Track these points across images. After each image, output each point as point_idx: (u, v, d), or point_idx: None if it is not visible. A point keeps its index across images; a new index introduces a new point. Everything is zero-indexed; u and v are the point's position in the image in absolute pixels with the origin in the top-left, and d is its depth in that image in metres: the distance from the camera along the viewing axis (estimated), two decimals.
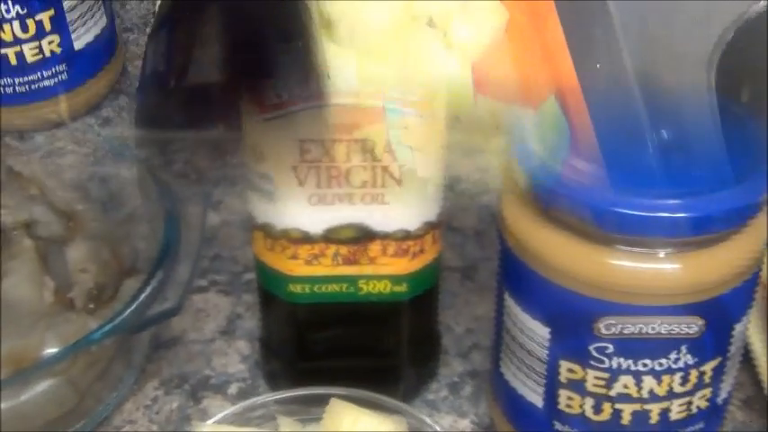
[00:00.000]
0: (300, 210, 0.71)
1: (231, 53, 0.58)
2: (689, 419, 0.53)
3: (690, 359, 0.50)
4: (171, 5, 0.63)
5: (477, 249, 0.85)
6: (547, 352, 0.61)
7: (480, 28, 0.71)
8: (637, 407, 0.54)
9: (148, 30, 0.62)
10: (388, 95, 0.69)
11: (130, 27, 0.73)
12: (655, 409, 0.52)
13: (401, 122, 0.68)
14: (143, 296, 0.57)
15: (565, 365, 0.60)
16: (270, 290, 0.72)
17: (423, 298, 0.73)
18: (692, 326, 0.50)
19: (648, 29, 0.78)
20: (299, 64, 0.60)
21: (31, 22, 0.59)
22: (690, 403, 0.52)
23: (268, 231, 0.72)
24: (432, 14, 0.71)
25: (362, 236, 0.70)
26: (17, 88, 0.62)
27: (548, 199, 0.60)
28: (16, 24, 0.58)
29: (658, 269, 0.57)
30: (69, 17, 0.60)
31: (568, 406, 0.61)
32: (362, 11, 0.70)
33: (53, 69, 0.62)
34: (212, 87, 0.56)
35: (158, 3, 0.65)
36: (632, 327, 0.55)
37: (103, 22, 0.63)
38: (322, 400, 0.64)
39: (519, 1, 0.72)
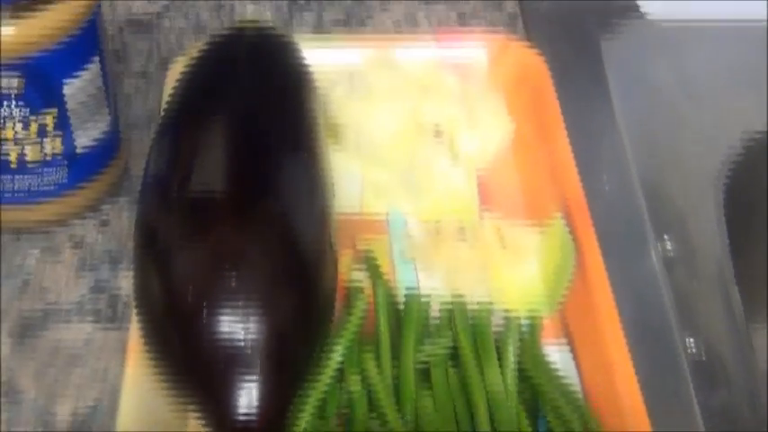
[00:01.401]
0: None
1: (236, 164, 0.56)
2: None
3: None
4: (176, 110, 0.62)
5: None
6: None
7: (487, 138, 0.70)
8: None
9: (153, 131, 0.60)
10: (393, 206, 0.68)
11: (134, 124, 0.72)
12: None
13: (405, 234, 0.66)
14: None
15: None
16: None
17: None
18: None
19: (657, 144, 0.78)
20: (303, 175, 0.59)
21: (33, 123, 0.58)
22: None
23: None
24: (438, 123, 0.70)
25: None
26: (16, 188, 0.61)
27: None
28: (18, 125, 0.57)
29: None
30: (72, 118, 0.59)
31: None
32: (369, 118, 0.69)
33: (53, 170, 0.60)
34: (212, 199, 0.54)
35: (164, 103, 0.65)
36: None
37: (107, 121, 0.62)
38: None
39: (527, 111, 0.71)
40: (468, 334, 0.55)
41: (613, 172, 0.72)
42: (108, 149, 0.65)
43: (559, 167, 0.66)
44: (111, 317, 0.62)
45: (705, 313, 0.67)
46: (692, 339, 0.64)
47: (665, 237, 0.70)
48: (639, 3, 0.83)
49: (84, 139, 0.62)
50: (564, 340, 0.61)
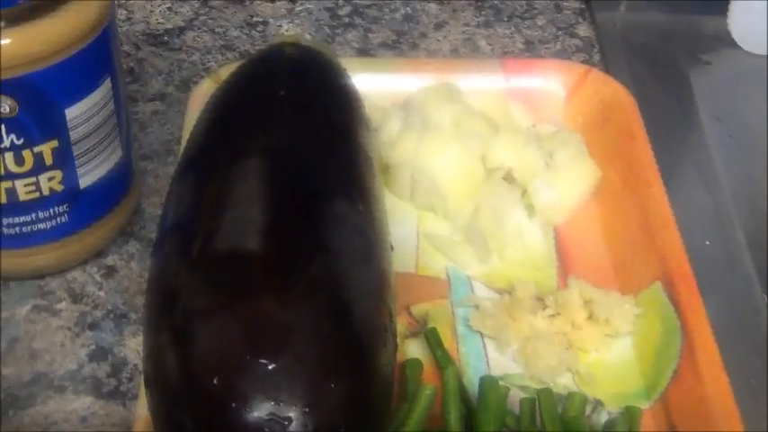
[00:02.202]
0: None
1: (276, 215, 0.45)
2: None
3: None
4: (202, 143, 0.51)
5: None
6: None
7: (567, 187, 0.59)
8: None
9: (173, 167, 0.49)
10: (455, 265, 0.57)
11: (149, 155, 0.61)
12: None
13: (469, 299, 0.55)
14: None
15: None
16: None
17: None
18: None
19: (758, 193, 0.66)
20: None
21: (27, 154, 0.46)
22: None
23: None
24: (510, 167, 0.59)
25: None
26: (5, 230, 0.49)
27: None
28: (9, 156, 0.46)
29: None
30: (76, 150, 0.48)
31: None
32: (428, 157, 0.58)
33: (51, 210, 0.50)
34: (245, 260, 0.43)
35: (187, 132, 0.54)
36: None
37: (118, 154, 0.51)
38: None
39: (613, 158, 0.60)
40: (558, 428, 0.44)
41: (713, 227, 0.61)
42: (118, 186, 0.54)
43: (654, 222, 0.55)
44: (115, 389, 0.51)
45: None
46: None
47: None
48: (731, 28, 0.71)
49: (89, 175, 0.51)
50: None
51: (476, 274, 0.57)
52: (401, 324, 0.53)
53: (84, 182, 0.52)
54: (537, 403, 0.47)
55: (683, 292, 0.52)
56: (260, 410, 0.40)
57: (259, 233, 0.44)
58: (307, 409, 0.40)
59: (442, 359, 0.49)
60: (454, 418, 0.45)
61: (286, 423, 0.40)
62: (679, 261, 0.53)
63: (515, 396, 0.48)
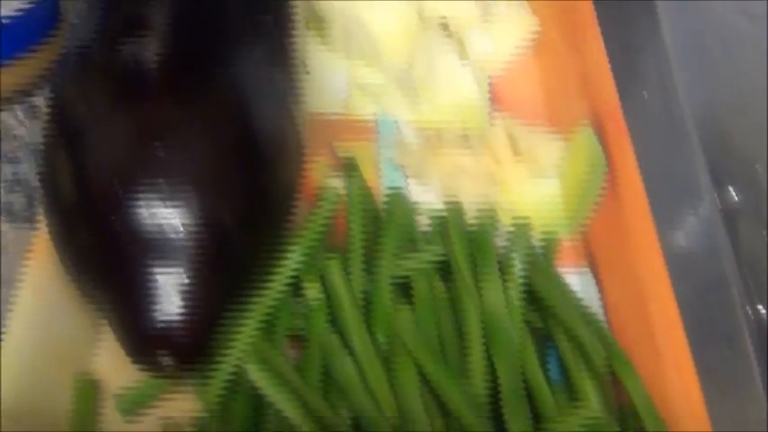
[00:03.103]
0: None
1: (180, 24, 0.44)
2: None
3: None
4: None
5: None
6: None
7: (504, 39, 0.58)
8: None
9: None
10: (385, 110, 0.56)
11: None
12: None
13: (396, 141, 0.54)
14: None
15: None
16: None
17: None
18: None
19: (707, 57, 0.65)
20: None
21: None
22: None
23: None
24: (446, 16, 0.58)
25: None
26: None
27: None
28: None
29: None
30: None
31: None
32: (362, 9, 0.57)
33: None
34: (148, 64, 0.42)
35: None
36: None
37: None
38: None
39: (553, 10, 0.58)
40: (465, 242, 0.42)
41: (656, 89, 0.59)
42: (43, 19, 0.53)
43: (590, 75, 0.54)
44: (28, 217, 0.49)
45: None
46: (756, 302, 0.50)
47: (727, 183, 0.56)
48: None
49: (8, 6, 0.50)
50: (586, 267, 0.48)
51: (405, 119, 0.55)
52: (324, 162, 0.52)
53: (5, 12, 0.51)
54: (445, 220, 0.46)
55: (611, 132, 0.51)
56: (149, 199, 0.39)
57: (159, 39, 0.43)
58: (192, 191, 0.39)
59: (350, 172, 0.48)
60: (355, 225, 0.43)
61: (170, 204, 0.39)
62: (609, 103, 0.52)
63: None
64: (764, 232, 0.54)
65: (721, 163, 0.58)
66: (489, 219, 0.45)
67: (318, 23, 0.58)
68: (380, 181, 0.52)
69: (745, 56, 0.63)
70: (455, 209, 0.45)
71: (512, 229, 0.44)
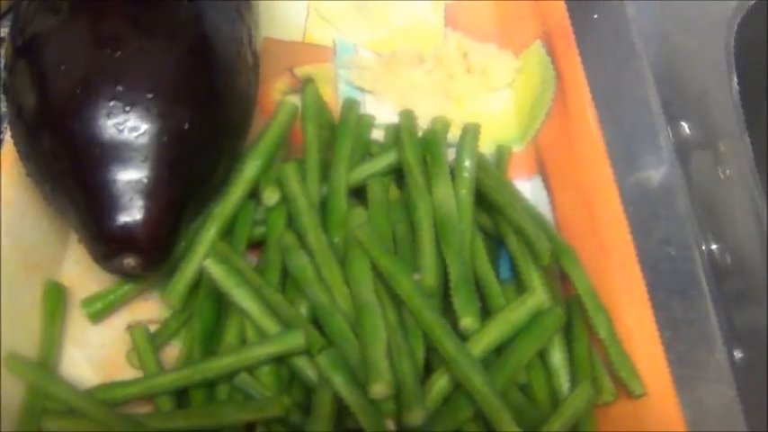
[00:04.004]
0: None
1: None
2: None
3: None
4: None
5: None
6: None
7: None
8: None
9: None
10: (342, 34, 0.57)
11: None
12: None
13: (353, 62, 0.55)
14: None
15: None
16: None
17: None
18: None
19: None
20: None
21: None
22: None
23: None
24: None
25: None
26: None
27: None
28: None
29: None
30: None
31: None
32: None
33: None
34: None
35: None
36: None
37: None
38: None
39: None
40: (417, 147, 0.44)
41: (607, 10, 0.61)
42: None
43: None
44: None
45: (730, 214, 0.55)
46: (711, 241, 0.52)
47: (680, 118, 0.58)
48: None
49: None
50: (537, 174, 0.50)
51: (362, 41, 0.57)
52: (283, 83, 0.54)
53: None
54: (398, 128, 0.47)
55: (559, 46, 0.52)
56: (103, 96, 0.40)
57: None
58: (150, 95, 0.40)
59: (305, 84, 0.49)
60: (311, 134, 0.45)
61: (128, 108, 0.40)
62: (559, 19, 0.54)
63: None
64: (719, 168, 0.55)
65: (673, 98, 0.60)
66: (441, 123, 0.46)
67: None
68: (338, 99, 0.53)
69: None
70: (408, 117, 0.46)
71: (463, 128, 0.46)
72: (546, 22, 0.54)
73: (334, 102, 0.53)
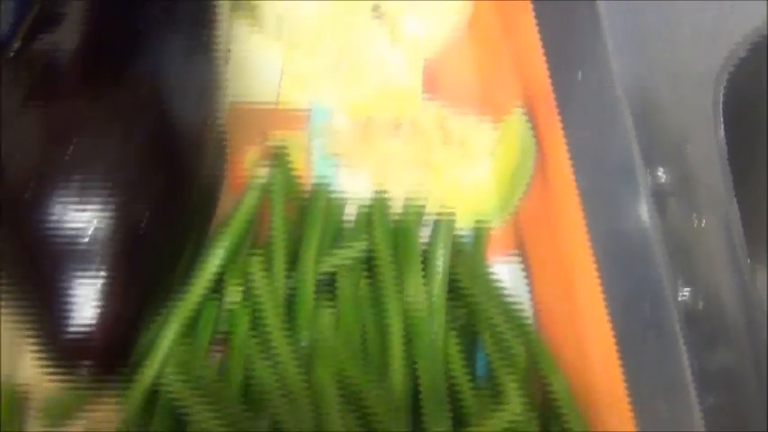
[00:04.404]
0: None
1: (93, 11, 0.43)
2: None
3: None
4: None
5: None
6: None
7: (437, 22, 0.57)
8: None
9: None
10: (317, 98, 0.55)
11: None
12: None
13: (328, 129, 0.53)
14: None
15: None
16: None
17: None
18: None
19: (645, 38, 0.64)
20: None
21: None
22: None
23: None
24: (378, 2, 0.57)
25: None
26: None
27: None
28: None
29: None
30: None
31: None
32: None
33: None
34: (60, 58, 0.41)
35: None
36: None
37: None
38: None
39: None
40: (389, 236, 0.42)
41: (591, 69, 0.59)
42: None
43: (524, 57, 0.53)
44: None
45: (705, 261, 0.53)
46: (683, 285, 0.50)
47: (657, 165, 0.56)
48: None
49: None
50: (516, 255, 0.48)
51: (338, 105, 0.55)
52: (254, 153, 0.52)
53: None
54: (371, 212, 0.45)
55: (542, 115, 0.50)
56: (61, 201, 0.38)
57: (72, 30, 0.42)
58: (106, 188, 0.39)
59: (276, 163, 0.47)
60: (278, 220, 0.43)
61: (89, 212, 0.38)
62: (541, 85, 0.52)
63: None
64: (694, 215, 0.53)
65: (652, 143, 0.58)
66: (415, 209, 0.44)
67: (250, 9, 0.57)
68: (311, 171, 0.51)
69: (684, 35, 0.62)
70: (381, 200, 0.44)
71: (436, 220, 0.44)
72: (527, 86, 0.52)
73: (307, 173, 0.51)
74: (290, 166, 0.49)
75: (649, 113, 0.59)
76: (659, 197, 0.54)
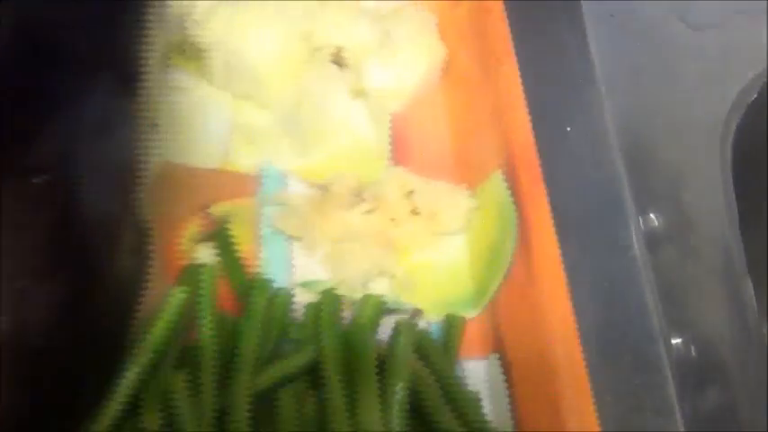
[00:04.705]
0: None
1: None
2: None
3: None
4: None
5: None
6: None
7: (407, 69, 0.50)
8: None
9: None
10: (270, 159, 0.48)
11: None
12: None
13: (280, 197, 0.46)
14: None
15: None
16: None
17: None
18: None
19: (640, 82, 0.57)
20: None
21: None
22: None
23: None
24: (340, 47, 0.50)
25: None
26: None
27: None
28: None
29: None
30: None
31: None
32: (241, 37, 0.49)
33: None
34: None
35: None
36: None
37: None
38: None
39: (463, 34, 0.51)
40: (338, 344, 0.35)
41: (580, 121, 0.52)
42: None
43: (501, 103, 0.46)
44: None
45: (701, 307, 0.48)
46: (680, 340, 0.46)
47: (649, 209, 0.50)
48: None
49: None
50: (495, 353, 0.41)
51: (293, 168, 0.48)
52: (195, 226, 0.45)
53: None
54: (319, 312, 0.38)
55: (523, 181, 0.43)
56: None
57: None
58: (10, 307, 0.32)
59: (222, 251, 0.41)
60: (207, 327, 0.36)
61: None
62: (523, 146, 0.45)
63: None
64: (687, 260, 0.47)
65: (644, 187, 0.51)
66: (373, 306, 0.37)
67: (194, 54, 0.50)
68: (259, 247, 0.44)
69: (683, 78, 0.55)
70: (330, 301, 0.37)
71: (398, 323, 0.37)
72: (508, 144, 0.45)
73: (253, 251, 0.44)
74: (232, 246, 0.42)
75: (643, 157, 0.53)
76: (652, 241, 0.47)
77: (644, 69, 0.56)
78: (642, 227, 0.49)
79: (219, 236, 0.43)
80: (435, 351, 0.38)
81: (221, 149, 0.49)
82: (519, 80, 0.48)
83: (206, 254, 0.44)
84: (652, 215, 0.51)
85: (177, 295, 0.36)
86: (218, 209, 0.46)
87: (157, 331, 0.35)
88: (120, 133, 0.38)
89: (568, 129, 0.51)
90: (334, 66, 0.50)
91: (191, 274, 0.40)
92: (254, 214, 0.46)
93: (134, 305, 0.37)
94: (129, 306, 0.37)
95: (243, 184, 0.48)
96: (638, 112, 0.55)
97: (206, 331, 0.36)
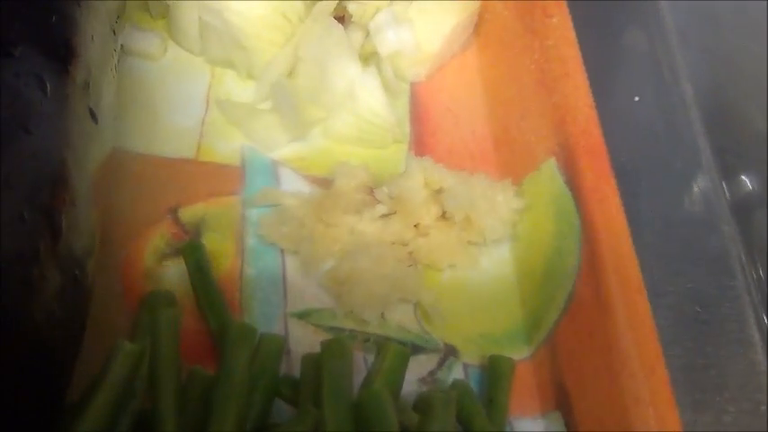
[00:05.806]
0: None
1: None
2: None
3: None
4: None
5: None
6: None
7: (430, 28, 0.40)
8: None
9: None
10: (255, 143, 0.38)
11: None
12: None
13: (269, 197, 0.36)
14: None
15: None
16: None
17: None
18: None
19: (721, 36, 0.47)
20: None
21: None
22: None
23: None
24: (345, 2, 0.40)
25: None
26: None
27: None
28: None
29: None
30: None
31: None
32: None
33: None
34: None
35: None
36: None
37: None
38: None
39: None
40: (347, 415, 0.25)
41: (651, 90, 0.42)
42: None
43: (555, 79, 0.36)
44: None
45: None
46: None
47: (740, 172, 0.43)
48: None
49: None
50: (556, 410, 0.31)
51: (285, 157, 0.39)
52: (161, 237, 0.35)
53: None
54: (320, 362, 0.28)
55: (587, 173, 0.33)
56: None
57: None
58: None
59: (199, 289, 0.30)
60: (164, 399, 0.26)
61: None
62: (584, 124, 0.34)
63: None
64: None
65: (731, 148, 0.42)
66: (393, 362, 0.27)
67: (163, 12, 0.40)
68: (243, 264, 0.34)
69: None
70: (335, 349, 0.27)
71: (430, 398, 0.27)
72: (562, 125, 0.35)
73: (237, 263, 0.34)
74: (206, 267, 0.32)
75: (729, 118, 0.44)
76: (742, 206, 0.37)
77: (722, 17, 0.48)
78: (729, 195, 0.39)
79: (190, 251, 0.32)
80: (477, 413, 0.28)
81: (194, 134, 0.39)
82: (573, 37, 0.38)
83: (176, 272, 0.34)
84: (744, 177, 0.43)
85: (126, 351, 0.26)
86: (189, 212, 0.36)
87: (101, 397, 0.25)
88: (44, 130, 0.27)
89: (636, 98, 0.41)
90: (338, 23, 0.39)
91: (153, 306, 0.30)
92: (235, 219, 0.37)
93: (67, 364, 0.27)
94: (61, 368, 0.26)
95: (221, 179, 0.38)
96: (718, 68, 0.45)
97: (164, 400, 0.26)
